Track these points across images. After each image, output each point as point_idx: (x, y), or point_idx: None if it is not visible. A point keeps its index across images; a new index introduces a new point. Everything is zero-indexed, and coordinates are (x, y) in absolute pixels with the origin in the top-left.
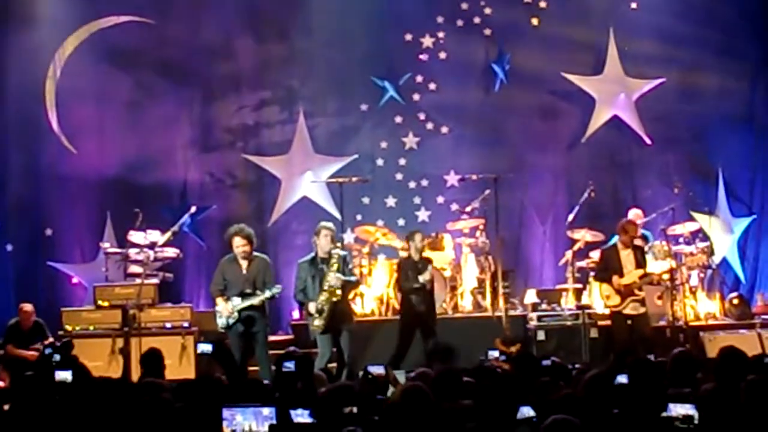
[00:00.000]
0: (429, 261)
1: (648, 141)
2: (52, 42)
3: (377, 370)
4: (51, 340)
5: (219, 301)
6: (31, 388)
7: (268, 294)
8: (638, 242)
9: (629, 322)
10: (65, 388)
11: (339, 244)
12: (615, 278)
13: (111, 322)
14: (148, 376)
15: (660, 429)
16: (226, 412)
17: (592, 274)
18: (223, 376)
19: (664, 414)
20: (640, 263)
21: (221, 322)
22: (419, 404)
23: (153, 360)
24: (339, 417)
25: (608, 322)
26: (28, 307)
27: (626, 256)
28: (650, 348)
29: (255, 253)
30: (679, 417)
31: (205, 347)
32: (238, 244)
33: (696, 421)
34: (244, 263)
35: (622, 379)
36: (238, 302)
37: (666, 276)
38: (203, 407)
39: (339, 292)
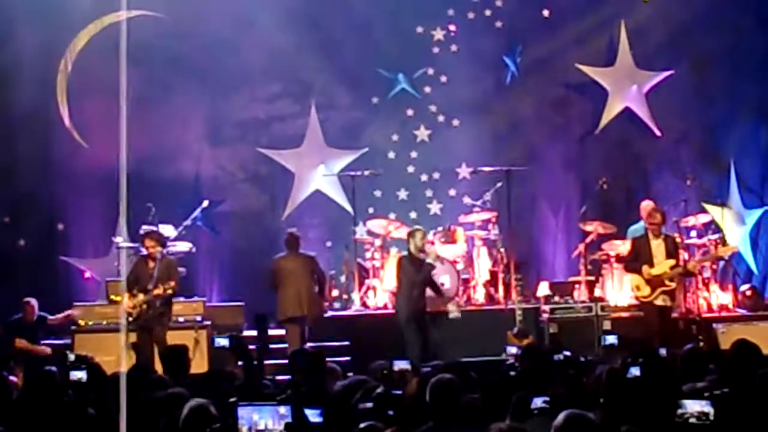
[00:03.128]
0: (425, 260)
1: (658, 133)
2: (65, 36)
3: (402, 365)
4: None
5: (125, 297)
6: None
7: (169, 290)
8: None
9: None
10: (80, 387)
11: None
12: (645, 268)
13: None
14: (169, 373)
15: (675, 425)
16: (241, 410)
17: (605, 265)
18: (236, 370)
19: (679, 411)
20: (671, 253)
21: (126, 315)
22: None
23: (175, 357)
24: (353, 413)
25: (621, 315)
26: (33, 301)
27: (657, 246)
28: (666, 341)
29: (165, 256)
30: (694, 414)
31: (223, 341)
32: (149, 245)
33: (711, 418)
34: (152, 263)
35: (635, 371)
36: (141, 297)
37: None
38: (217, 401)
39: None
